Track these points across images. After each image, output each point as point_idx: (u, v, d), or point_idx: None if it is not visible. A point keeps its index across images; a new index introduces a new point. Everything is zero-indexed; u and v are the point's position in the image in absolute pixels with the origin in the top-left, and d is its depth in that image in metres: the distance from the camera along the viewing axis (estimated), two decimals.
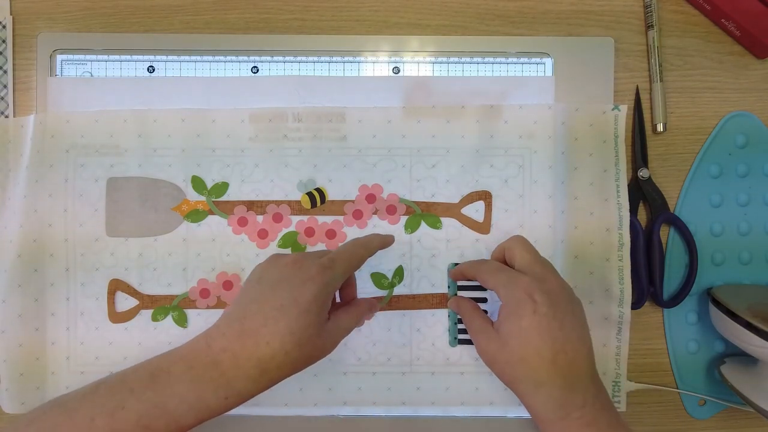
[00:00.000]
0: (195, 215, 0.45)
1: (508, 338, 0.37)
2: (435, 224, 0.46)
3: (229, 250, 0.45)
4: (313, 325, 0.35)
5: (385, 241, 0.43)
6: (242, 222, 0.45)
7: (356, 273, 0.45)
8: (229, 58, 0.46)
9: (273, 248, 0.45)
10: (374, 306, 0.44)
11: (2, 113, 0.46)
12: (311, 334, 0.35)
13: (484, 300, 0.45)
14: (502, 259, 0.43)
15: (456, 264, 0.45)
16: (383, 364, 0.45)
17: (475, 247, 0.45)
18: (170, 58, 0.46)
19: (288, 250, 0.45)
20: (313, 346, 0.36)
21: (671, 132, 0.47)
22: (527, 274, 0.38)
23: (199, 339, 0.37)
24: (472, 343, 0.45)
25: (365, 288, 0.45)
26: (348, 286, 0.43)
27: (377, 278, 0.45)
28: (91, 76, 0.46)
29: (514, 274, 0.39)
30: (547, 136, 0.45)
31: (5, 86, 0.46)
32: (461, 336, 0.45)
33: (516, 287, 0.38)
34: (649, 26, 0.47)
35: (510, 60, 0.46)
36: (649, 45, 0.47)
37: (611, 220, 0.45)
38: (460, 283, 0.45)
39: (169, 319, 0.45)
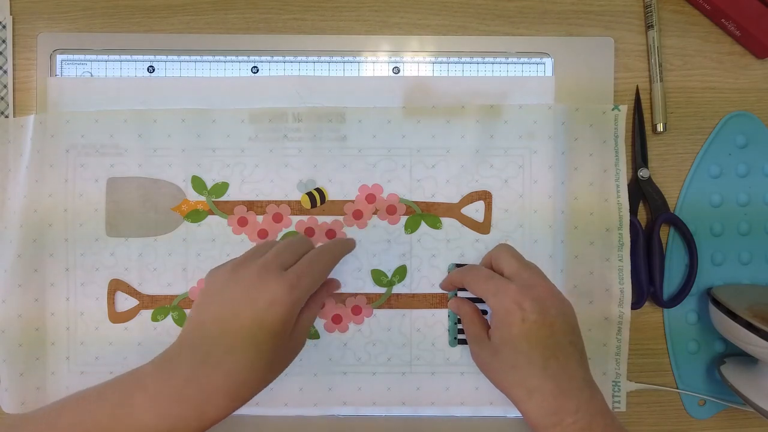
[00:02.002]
0: (195, 215, 0.45)
1: (500, 346, 0.38)
2: (435, 224, 0.46)
3: (229, 250, 0.45)
4: (281, 344, 0.34)
5: (348, 247, 0.43)
6: (242, 222, 0.45)
7: (356, 270, 0.45)
8: (229, 58, 0.46)
9: None
10: (333, 286, 0.43)
11: (2, 113, 0.46)
12: (280, 351, 0.35)
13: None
14: (490, 267, 0.42)
15: (456, 264, 0.45)
16: (383, 364, 0.45)
17: (475, 247, 0.45)
18: (170, 58, 0.46)
19: None
20: (283, 359, 0.36)
21: (671, 132, 0.47)
22: (515, 282, 0.38)
23: (162, 366, 0.34)
24: None
25: (365, 284, 0.45)
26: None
27: (377, 275, 0.45)
28: (91, 76, 0.46)
29: (502, 283, 0.38)
30: (547, 136, 0.45)
31: (5, 86, 0.46)
32: (461, 336, 0.45)
33: (504, 296, 0.38)
34: (649, 26, 0.47)
35: (510, 60, 0.46)
36: (649, 45, 0.47)
37: (611, 220, 0.45)
38: None
39: (169, 319, 0.45)
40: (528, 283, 0.38)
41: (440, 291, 0.46)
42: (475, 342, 0.40)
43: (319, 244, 0.44)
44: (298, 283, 0.35)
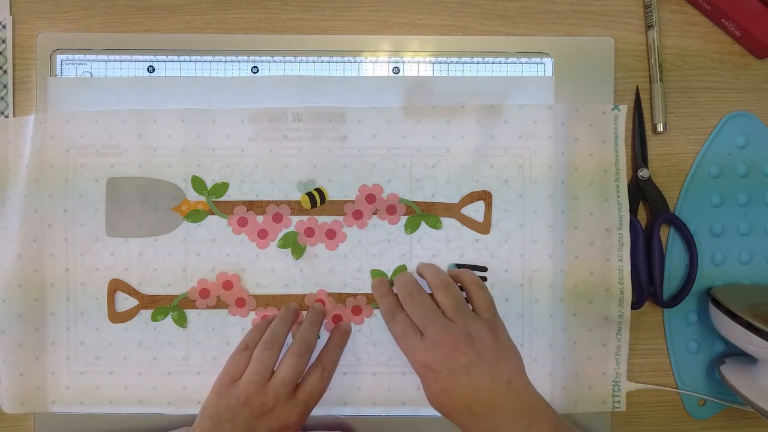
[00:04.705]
0: (195, 215, 0.45)
1: (428, 398, 0.39)
2: (435, 224, 0.45)
3: (229, 250, 0.45)
4: None
5: (347, 336, 0.45)
6: (242, 222, 0.45)
7: (356, 270, 0.45)
8: (229, 58, 0.46)
9: (273, 248, 0.45)
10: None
11: (2, 113, 0.46)
12: None
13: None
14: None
15: (456, 264, 0.45)
16: (383, 364, 0.45)
17: (475, 247, 0.45)
18: (170, 58, 0.46)
19: (288, 251, 0.45)
20: None
21: (671, 132, 0.47)
22: (425, 330, 0.39)
23: None
24: None
25: (365, 284, 0.45)
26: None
27: (377, 276, 0.45)
28: (91, 76, 0.46)
29: (412, 344, 0.39)
30: (547, 136, 0.45)
31: (5, 86, 0.46)
32: None
33: (414, 360, 0.39)
34: (649, 26, 0.47)
35: (510, 60, 0.46)
36: (649, 45, 0.47)
37: (611, 220, 0.45)
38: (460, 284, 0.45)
39: (168, 319, 0.45)
40: (434, 339, 0.38)
41: None
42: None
43: (305, 312, 0.45)
44: (307, 408, 0.40)
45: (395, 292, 0.43)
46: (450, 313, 0.40)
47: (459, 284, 0.43)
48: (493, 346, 0.38)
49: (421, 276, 0.44)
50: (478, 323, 0.39)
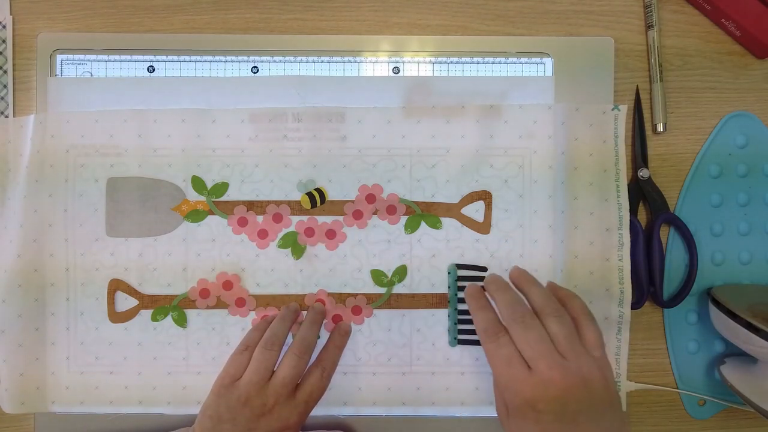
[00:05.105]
0: (195, 215, 0.45)
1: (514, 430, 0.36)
2: (435, 224, 0.45)
3: (229, 250, 0.45)
4: None
5: (347, 336, 0.45)
6: (242, 222, 0.45)
7: (356, 270, 0.45)
8: (229, 58, 0.46)
9: (273, 248, 0.45)
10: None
11: (2, 113, 0.46)
12: None
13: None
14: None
15: (456, 264, 0.45)
16: (383, 364, 0.45)
17: (475, 247, 0.45)
18: (170, 58, 0.46)
19: (288, 251, 0.45)
20: None
21: (671, 132, 0.47)
22: (535, 364, 0.34)
23: None
24: (472, 344, 0.45)
25: (365, 284, 0.45)
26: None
27: (377, 275, 0.45)
28: (91, 76, 0.46)
29: (517, 376, 0.34)
30: (547, 136, 0.45)
31: (5, 86, 0.46)
32: (461, 336, 0.45)
33: (515, 394, 0.34)
34: (649, 26, 0.47)
35: (510, 60, 0.46)
36: (649, 45, 0.47)
37: (611, 220, 0.45)
38: (460, 283, 0.45)
39: (168, 319, 0.45)
40: (545, 378, 0.33)
41: (440, 291, 0.45)
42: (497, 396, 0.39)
43: (305, 312, 0.45)
44: (306, 408, 0.40)
45: (495, 306, 0.39)
46: (562, 347, 0.34)
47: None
48: (604, 393, 0.34)
49: (520, 290, 0.39)
50: (590, 363, 0.34)
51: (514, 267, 0.41)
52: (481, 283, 0.42)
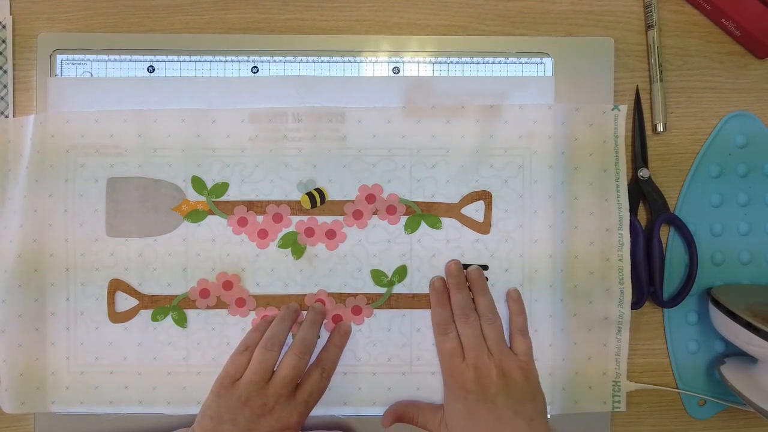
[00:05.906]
0: (195, 215, 0.45)
1: (447, 414, 0.42)
2: (435, 224, 0.46)
3: (229, 250, 0.45)
4: None
5: (346, 336, 0.45)
6: (242, 222, 0.45)
7: (356, 270, 0.45)
8: (229, 58, 0.46)
9: (273, 248, 0.45)
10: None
11: (2, 113, 0.46)
12: None
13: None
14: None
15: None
16: (383, 364, 0.45)
17: (474, 247, 0.45)
18: (170, 58, 0.46)
19: (288, 251, 0.45)
20: None
21: (671, 132, 0.47)
22: (467, 353, 0.41)
23: None
24: None
25: (365, 284, 0.45)
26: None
27: (377, 275, 0.45)
28: (91, 76, 0.46)
29: (455, 365, 0.42)
30: (547, 136, 0.45)
31: (5, 86, 0.46)
32: None
33: (452, 378, 0.42)
34: (649, 26, 0.47)
35: (510, 60, 0.46)
36: (649, 45, 0.47)
37: (611, 220, 0.45)
38: None
39: (168, 319, 0.45)
40: (473, 364, 0.41)
41: None
42: (430, 409, 0.44)
43: (305, 312, 0.45)
44: (306, 408, 0.40)
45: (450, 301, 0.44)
46: (491, 344, 0.42)
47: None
48: (522, 386, 0.41)
49: (472, 292, 0.44)
50: (511, 361, 0.42)
51: (473, 268, 0.45)
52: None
